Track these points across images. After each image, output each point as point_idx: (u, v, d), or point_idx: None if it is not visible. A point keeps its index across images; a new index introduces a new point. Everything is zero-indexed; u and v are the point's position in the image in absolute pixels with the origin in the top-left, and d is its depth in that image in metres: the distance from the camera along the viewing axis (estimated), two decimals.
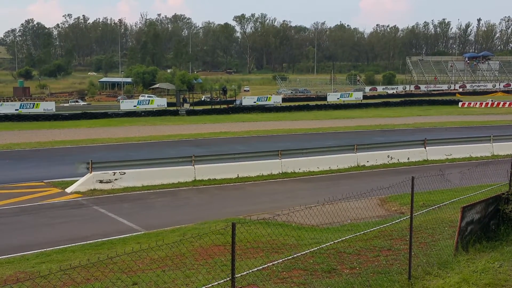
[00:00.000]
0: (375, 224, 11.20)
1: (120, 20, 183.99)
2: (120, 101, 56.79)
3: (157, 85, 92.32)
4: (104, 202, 15.57)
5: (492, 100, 60.36)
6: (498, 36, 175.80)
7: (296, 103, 60.29)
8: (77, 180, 17.30)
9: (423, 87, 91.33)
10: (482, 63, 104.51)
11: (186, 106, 53.79)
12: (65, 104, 64.30)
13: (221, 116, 48.97)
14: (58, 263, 9.52)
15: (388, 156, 22.14)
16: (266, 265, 8.25)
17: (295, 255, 8.81)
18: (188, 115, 49.07)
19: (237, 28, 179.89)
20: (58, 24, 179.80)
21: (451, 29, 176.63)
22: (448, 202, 11.86)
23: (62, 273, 7.55)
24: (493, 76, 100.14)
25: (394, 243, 9.60)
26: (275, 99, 60.34)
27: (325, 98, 64.94)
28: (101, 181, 17.13)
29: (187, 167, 18.52)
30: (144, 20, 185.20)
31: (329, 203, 7.50)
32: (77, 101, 70.61)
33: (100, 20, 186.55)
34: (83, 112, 47.43)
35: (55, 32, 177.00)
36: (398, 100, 64.25)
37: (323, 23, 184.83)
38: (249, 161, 19.81)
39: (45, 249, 10.78)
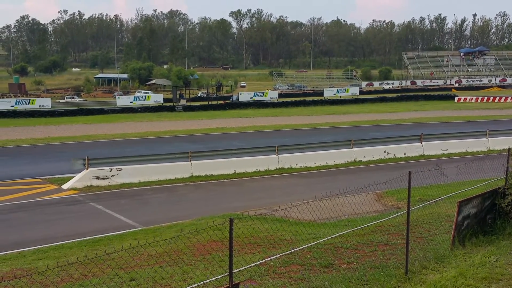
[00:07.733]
0: (372, 219, 11.22)
1: (115, 16, 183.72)
2: (116, 97, 56.74)
3: (153, 81, 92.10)
4: (101, 199, 15.55)
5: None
6: (493, 31, 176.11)
7: (293, 99, 60.11)
8: (74, 176, 17.28)
9: (419, 82, 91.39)
10: (478, 58, 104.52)
11: (183, 102, 53.76)
12: (61, 101, 64.08)
13: (218, 112, 48.96)
14: (55, 259, 9.51)
15: (385, 151, 22.18)
16: (263, 260, 8.26)
17: (292, 250, 8.82)
18: (185, 111, 49.01)
19: (233, 23, 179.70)
20: (53, 20, 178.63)
21: (447, 24, 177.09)
22: (444, 196, 11.88)
23: (59, 269, 7.54)
24: (489, 71, 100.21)
25: (391, 238, 9.62)
26: (272, 95, 60.30)
27: (321, 94, 65.01)
28: (97, 177, 17.11)
29: (184, 163, 18.51)
30: (140, 16, 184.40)
31: (326, 198, 7.51)
32: (73, 98, 70.28)
33: (96, 16, 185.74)
34: (79, 108, 47.32)
35: (50, 28, 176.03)
36: (394, 95, 64.34)
37: (319, 19, 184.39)
38: (246, 157, 19.79)
39: (42, 246, 10.77)
